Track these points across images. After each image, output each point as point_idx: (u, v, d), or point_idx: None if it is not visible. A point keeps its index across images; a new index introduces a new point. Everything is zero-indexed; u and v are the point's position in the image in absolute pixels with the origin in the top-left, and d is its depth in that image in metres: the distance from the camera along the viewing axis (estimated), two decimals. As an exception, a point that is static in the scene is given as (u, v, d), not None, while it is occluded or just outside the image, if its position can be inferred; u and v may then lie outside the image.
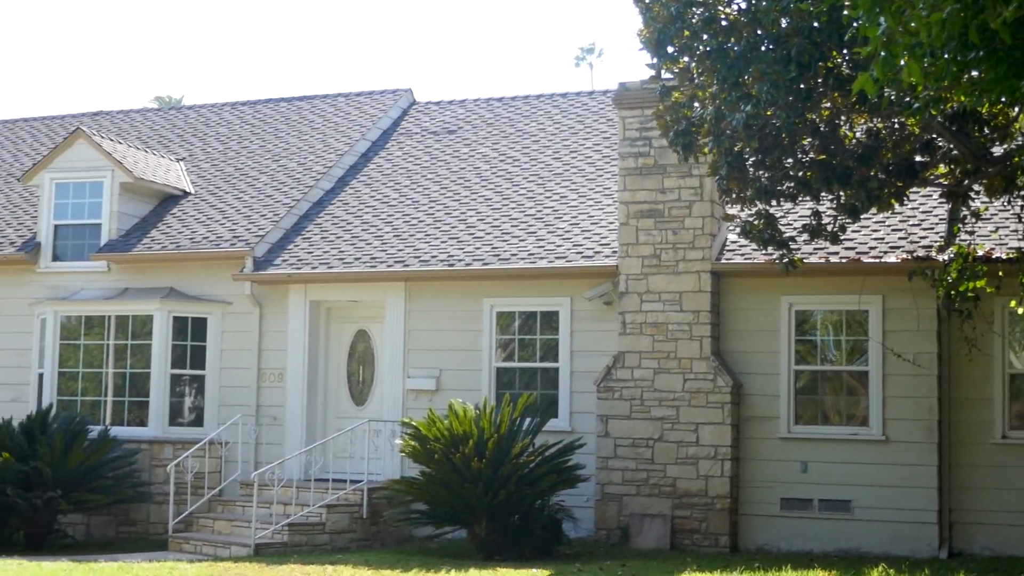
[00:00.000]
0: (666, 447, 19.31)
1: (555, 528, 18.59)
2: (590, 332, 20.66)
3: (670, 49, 14.76)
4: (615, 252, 20.44)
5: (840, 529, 18.77)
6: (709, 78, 14.57)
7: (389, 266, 21.96)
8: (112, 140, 25.76)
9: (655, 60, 15.04)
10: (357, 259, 22.40)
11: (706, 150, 15.43)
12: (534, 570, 16.33)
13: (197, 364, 23.33)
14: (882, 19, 8.36)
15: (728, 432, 19.10)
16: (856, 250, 18.89)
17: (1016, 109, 14.61)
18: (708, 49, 14.34)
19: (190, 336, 23.32)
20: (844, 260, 18.74)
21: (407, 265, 21.86)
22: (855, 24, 9.76)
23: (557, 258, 20.99)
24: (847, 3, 10.65)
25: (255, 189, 25.52)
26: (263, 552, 19.01)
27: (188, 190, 26.01)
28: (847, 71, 13.66)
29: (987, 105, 13.29)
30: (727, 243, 19.84)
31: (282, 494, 20.35)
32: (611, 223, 21.45)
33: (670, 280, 19.60)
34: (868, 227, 19.33)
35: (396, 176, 25.50)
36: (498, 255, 21.47)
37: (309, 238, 23.52)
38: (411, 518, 19.41)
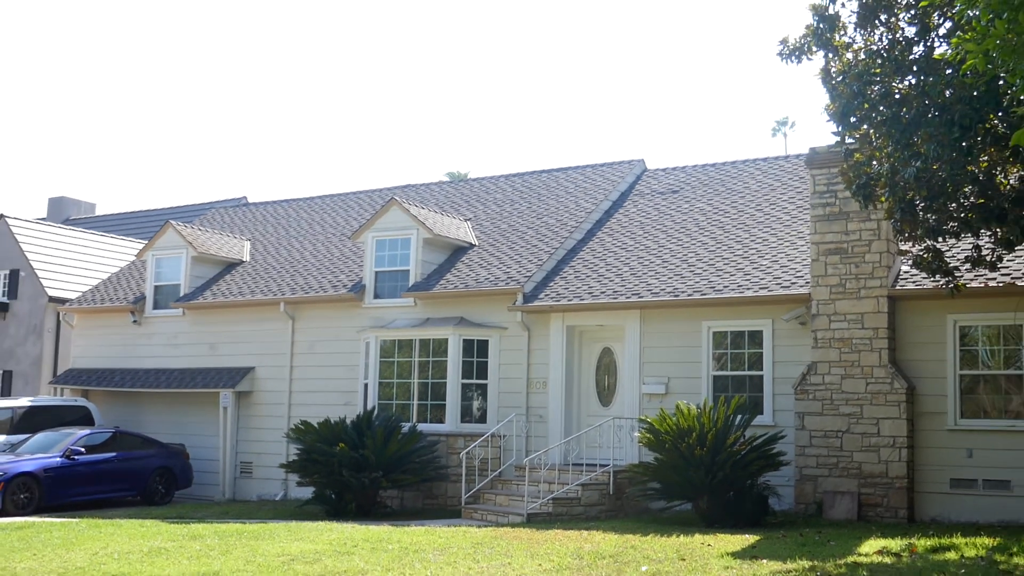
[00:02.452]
0: (852, 438, 18.55)
1: (763, 503, 18.10)
2: (788, 346, 20.06)
3: (852, 119, 14.20)
4: (808, 283, 19.81)
5: (1001, 504, 17.67)
6: (885, 141, 13.94)
7: (627, 298, 21.76)
8: (416, 206, 26.28)
9: (840, 128, 14.48)
10: (603, 293, 22.25)
11: (883, 199, 14.74)
12: (747, 535, 15.86)
13: (481, 375, 23.53)
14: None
15: (904, 425, 18.22)
16: (1011, 276, 17.78)
17: None
18: (884, 118, 13.73)
19: (475, 354, 23.54)
20: (1000, 284, 17.64)
21: (641, 297, 21.61)
22: (1012, 90, 9.14)
23: (760, 288, 20.45)
24: (1003, 74, 10.01)
25: (524, 240, 25.65)
26: (533, 520, 19.03)
27: (473, 242, 26.32)
28: (1003, 130, 12.83)
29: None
30: (901, 273, 19.00)
31: (547, 475, 20.36)
32: (804, 259, 20.82)
33: (854, 304, 18.87)
34: (1021, 256, 18.21)
35: (631, 228, 25.29)
36: (713, 287, 21.03)
37: (565, 277, 23.48)
38: (647, 494, 19.13)
